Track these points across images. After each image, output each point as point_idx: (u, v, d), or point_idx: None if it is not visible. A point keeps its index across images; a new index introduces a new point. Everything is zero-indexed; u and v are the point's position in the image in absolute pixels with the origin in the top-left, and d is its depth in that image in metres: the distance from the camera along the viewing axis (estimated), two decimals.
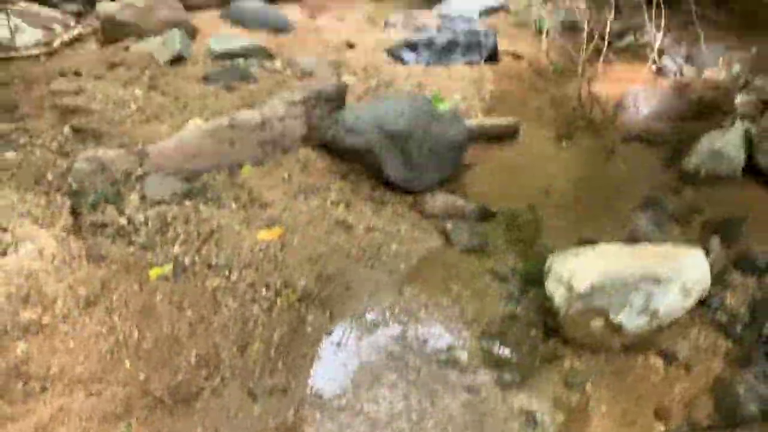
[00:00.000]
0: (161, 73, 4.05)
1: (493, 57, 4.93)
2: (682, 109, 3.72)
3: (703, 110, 3.75)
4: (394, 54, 5.03)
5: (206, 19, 5.50)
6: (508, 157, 3.39)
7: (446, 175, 3.01)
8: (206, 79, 3.98)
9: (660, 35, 4.35)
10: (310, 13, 6.62)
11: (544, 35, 4.82)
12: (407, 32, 5.83)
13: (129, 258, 2.36)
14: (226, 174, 3.11)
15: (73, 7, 6.33)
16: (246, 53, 4.47)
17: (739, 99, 3.35)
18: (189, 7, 6.61)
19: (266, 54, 4.56)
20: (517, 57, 5.03)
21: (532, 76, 4.56)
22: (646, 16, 5.04)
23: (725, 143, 2.98)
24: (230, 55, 4.43)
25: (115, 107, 3.55)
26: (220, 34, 4.56)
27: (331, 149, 3.19)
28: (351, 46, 5.28)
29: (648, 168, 3.19)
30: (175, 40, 4.31)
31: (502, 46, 5.13)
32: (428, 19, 6.04)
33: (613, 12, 4.93)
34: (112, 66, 4.13)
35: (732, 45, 4.41)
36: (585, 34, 4.47)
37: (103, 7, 6.21)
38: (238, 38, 4.52)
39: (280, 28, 5.38)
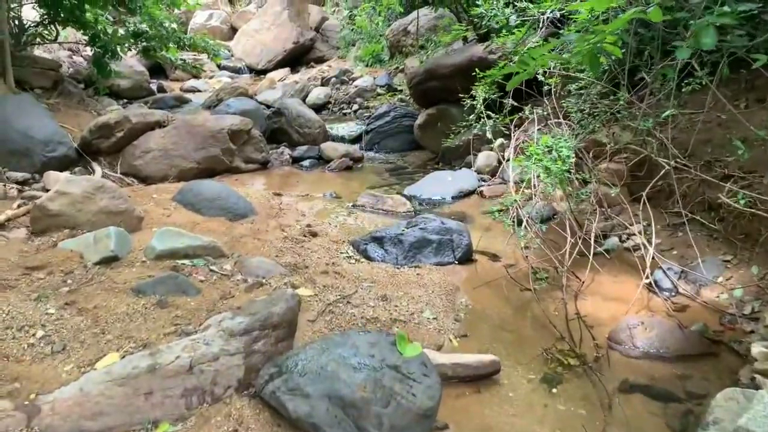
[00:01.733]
0: (85, 281, 3.50)
1: (466, 258, 4.51)
2: (685, 346, 3.24)
3: (708, 348, 3.27)
4: (359, 248, 4.60)
5: (158, 202, 5.07)
6: (487, 412, 2.80)
7: None
8: (137, 291, 3.43)
9: (651, 248, 3.98)
10: (275, 189, 6.31)
11: (521, 235, 4.41)
12: (376, 217, 5.48)
13: None
14: None
15: (19, 175, 5.92)
16: (193, 253, 3.97)
17: (756, 350, 2.88)
18: (145, 180, 6.29)
19: (217, 253, 4.06)
20: (493, 257, 4.63)
21: (511, 285, 4.10)
22: (632, 218, 4.76)
23: (751, 419, 2.44)
24: (174, 255, 3.92)
25: (16, 334, 2.94)
26: (165, 229, 4.07)
27: (271, 406, 2.58)
28: (314, 234, 4.86)
29: None
30: (108, 238, 3.80)
31: (476, 241, 4.75)
32: (399, 203, 5.71)
33: (597, 215, 4.64)
34: (30, 270, 3.58)
35: (729, 260, 4.04)
36: (567, 241, 4.09)
37: (48, 178, 5.83)
38: (184, 236, 4.03)
39: (239, 214, 4.96)
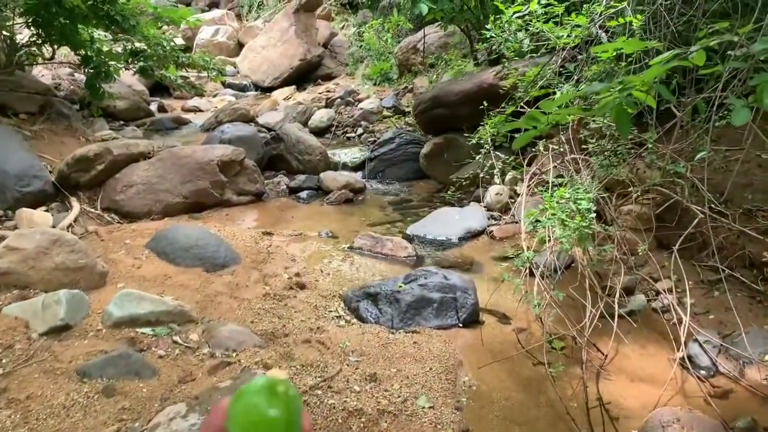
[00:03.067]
0: (24, 360, 3.01)
1: (472, 320, 3.98)
2: None
3: None
4: (351, 305, 4.09)
5: (130, 249, 4.59)
6: None
7: None
8: (83, 373, 2.93)
9: (686, 318, 3.42)
10: (266, 226, 5.83)
11: (535, 305, 3.85)
12: (374, 262, 4.98)
13: None
14: None
15: None
16: (156, 320, 3.48)
17: None
18: (126, 215, 5.82)
19: (184, 318, 3.57)
20: (502, 318, 4.08)
21: (522, 357, 3.56)
22: (659, 271, 4.21)
23: None
24: (134, 323, 3.43)
25: None
26: (126, 291, 3.58)
27: None
28: (301, 287, 4.36)
29: None
30: (59, 304, 3.32)
31: (484, 296, 4.21)
32: (399, 247, 5.19)
33: (620, 266, 4.09)
34: None
35: None
36: (587, 307, 3.54)
37: (21, 216, 5.37)
38: (146, 299, 3.53)
39: (218, 264, 4.46)
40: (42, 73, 10.60)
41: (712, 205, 4.16)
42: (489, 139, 4.66)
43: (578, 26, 3.67)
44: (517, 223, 5.52)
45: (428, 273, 4.20)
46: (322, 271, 4.74)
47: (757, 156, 4.44)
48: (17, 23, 8.40)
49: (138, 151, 6.08)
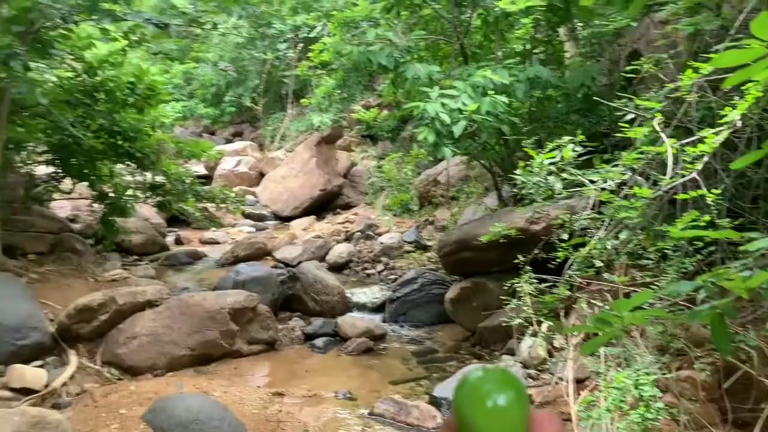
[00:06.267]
0: None
1: None
2: None
3: None
4: None
5: (125, 421, 4.08)
6: None
7: None
8: None
9: None
10: (278, 384, 5.30)
11: None
12: None
13: None
14: None
15: None
16: None
17: None
18: (128, 370, 5.35)
19: None
20: None
21: None
22: None
23: None
24: None
25: None
26: None
27: None
28: None
29: None
30: None
31: None
32: (426, 415, 4.62)
33: None
34: None
35: None
36: None
37: (12, 373, 4.93)
38: None
39: None
40: (62, 205, 10.54)
41: None
42: (526, 292, 4.22)
43: (642, 197, 3.33)
44: (558, 384, 4.93)
45: None
46: None
47: None
48: (38, 161, 8.43)
49: (144, 299, 5.71)
